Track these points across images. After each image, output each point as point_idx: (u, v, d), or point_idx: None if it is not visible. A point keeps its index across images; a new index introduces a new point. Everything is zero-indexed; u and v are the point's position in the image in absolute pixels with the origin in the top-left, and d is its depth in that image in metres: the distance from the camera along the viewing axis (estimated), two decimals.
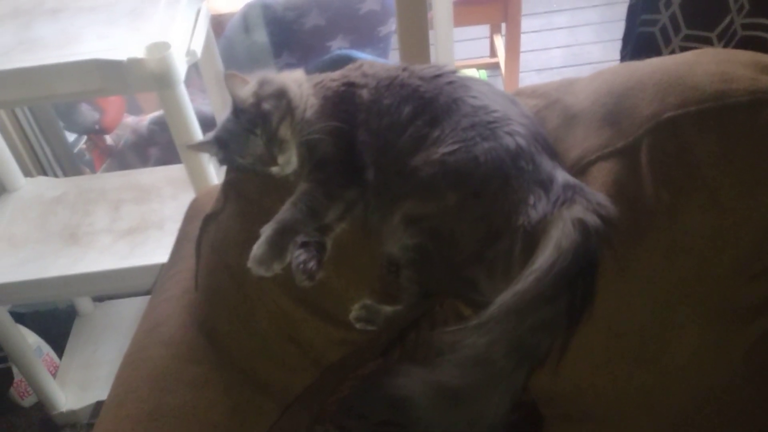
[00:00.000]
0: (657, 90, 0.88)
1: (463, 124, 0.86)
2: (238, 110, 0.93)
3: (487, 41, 3.08)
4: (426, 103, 0.90)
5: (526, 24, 2.74)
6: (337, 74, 0.98)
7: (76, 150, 2.20)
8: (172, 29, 1.30)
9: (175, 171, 1.70)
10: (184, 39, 1.32)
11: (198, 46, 1.34)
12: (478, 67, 2.95)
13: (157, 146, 2.13)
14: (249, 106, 0.92)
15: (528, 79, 2.98)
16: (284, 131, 0.91)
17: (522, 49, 2.70)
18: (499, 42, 2.92)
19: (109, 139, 2.24)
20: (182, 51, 1.27)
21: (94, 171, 2.22)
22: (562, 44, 3.20)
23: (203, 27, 1.41)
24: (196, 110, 1.34)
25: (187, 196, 1.37)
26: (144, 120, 2.20)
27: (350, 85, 0.95)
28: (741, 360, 0.92)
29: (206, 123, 1.39)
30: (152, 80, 1.22)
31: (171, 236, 1.23)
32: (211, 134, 0.97)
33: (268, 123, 0.91)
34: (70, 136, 2.18)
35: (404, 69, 0.95)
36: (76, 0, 1.45)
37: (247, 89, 0.93)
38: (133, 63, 1.20)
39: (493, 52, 3.03)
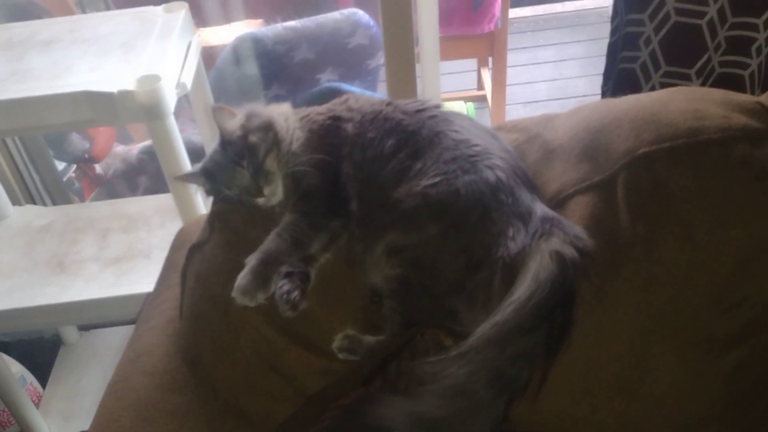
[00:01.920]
0: (632, 126, 0.91)
1: (444, 157, 0.89)
2: (225, 142, 0.94)
3: (475, 74, 3.13)
4: (409, 137, 0.92)
5: (512, 58, 2.79)
6: (323, 108, 1.00)
7: (65, 178, 2.20)
8: (163, 62, 1.32)
9: (164, 200, 1.71)
10: (175, 71, 1.34)
11: (188, 79, 1.36)
12: (465, 99, 2.98)
13: (146, 175, 2.14)
14: (236, 138, 0.94)
15: (514, 111, 3.02)
16: (270, 163, 0.93)
17: (508, 82, 2.75)
18: (486, 75, 2.97)
19: (98, 167, 2.25)
20: (172, 83, 1.29)
21: (83, 199, 2.23)
22: (547, 78, 3.26)
23: (194, 59, 1.43)
24: (186, 140, 1.36)
25: (175, 225, 1.37)
26: (134, 149, 2.21)
27: (335, 119, 0.97)
28: (719, 389, 0.93)
29: (196, 153, 1.41)
30: (142, 112, 1.24)
31: (158, 265, 1.23)
32: (198, 165, 0.99)
33: (254, 155, 0.93)
34: (60, 165, 2.19)
35: (388, 103, 0.98)
36: (68, 32, 1.47)
37: (234, 122, 0.95)
38: (124, 95, 1.22)
39: (480, 86, 3.08)
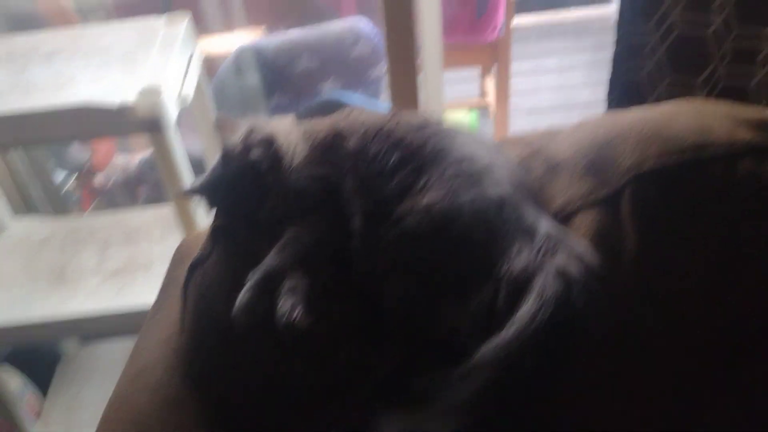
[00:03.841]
0: (638, 141, 0.90)
1: (448, 173, 0.88)
2: (225, 157, 0.94)
3: (478, 83, 3.12)
4: (413, 152, 0.91)
5: (516, 66, 2.78)
6: (324, 122, 0.99)
7: (64, 189, 2.20)
8: (165, 73, 1.31)
9: (164, 211, 1.71)
10: (176, 83, 1.34)
11: (190, 90, 1.36)
12: (469, 108, 2.98)
13: (146, 185, 2.14)
14: (236, 153, 0.93)
15: (518, 120, 3.02)
16: (272, 179, 0.92)
17: (512, 90, 2.74)
18: (490, 84, 2.96)
19: (98, 178, 2.25)
20: (174, 95, 1.29)
21: (82, 210, 2.22)
22: (552, 86, 3.25)
23: (195, 71, 1.43)
24: (185, 149, 1.35)
25: (176, 238, 1.37)
26: (134, 159, 2.21)
27: (337, 134, 0.96)
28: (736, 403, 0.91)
29: (195, 164, 1.40)
30: (143, 125, 1.23)
31: (159, 278, 1.22)
32: (199, 180, 0.98)
33: (256, 170, 0.92)
34: (59, 175, 2.18)
35: (392, 118, 0.97)
36: (71, 43, 1.47)
37: (235, 137, 0.95)
38: (125, 108, 1.22)
39: (483, 94, 3.08)
